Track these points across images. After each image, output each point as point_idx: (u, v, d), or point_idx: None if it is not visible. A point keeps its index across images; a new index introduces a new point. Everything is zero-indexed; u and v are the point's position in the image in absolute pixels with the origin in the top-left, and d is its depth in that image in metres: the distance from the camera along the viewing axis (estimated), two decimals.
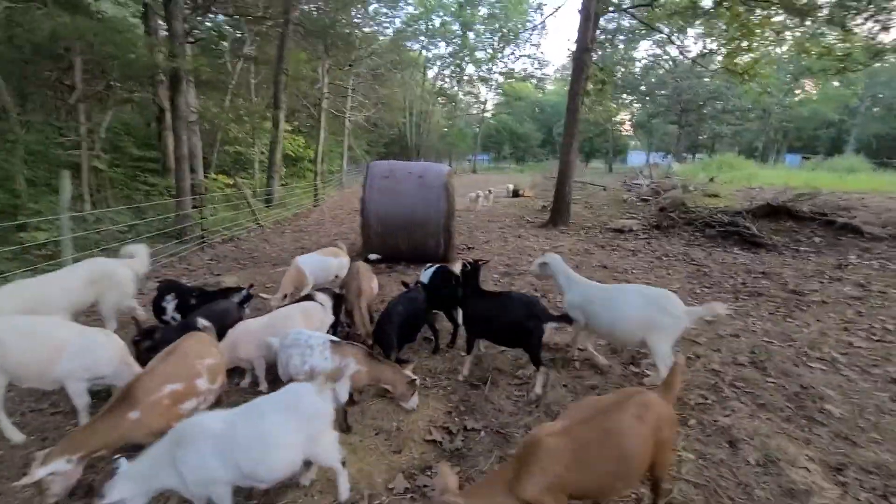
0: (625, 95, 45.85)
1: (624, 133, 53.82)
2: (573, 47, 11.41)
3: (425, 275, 5.00)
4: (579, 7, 10.66)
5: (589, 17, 10.51)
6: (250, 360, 3.62)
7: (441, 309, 4.80)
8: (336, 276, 5.73)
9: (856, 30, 9.56)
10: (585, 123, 40.64)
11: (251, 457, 2.15)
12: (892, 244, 7.91)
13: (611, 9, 12.20)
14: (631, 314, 3.58)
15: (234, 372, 3.82)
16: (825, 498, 2.58)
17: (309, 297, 4.20)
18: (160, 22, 11.76)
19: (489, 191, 17.65)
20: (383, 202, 7.93)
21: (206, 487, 2.15)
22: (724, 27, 13.43)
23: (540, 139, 55.66)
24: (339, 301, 4.51)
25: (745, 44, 11.76)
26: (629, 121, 51.17)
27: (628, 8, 12.28)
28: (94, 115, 11.33)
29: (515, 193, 20.75)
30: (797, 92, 41.33)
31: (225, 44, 18.33)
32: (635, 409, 2.10)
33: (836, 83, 39.32)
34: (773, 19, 10.87)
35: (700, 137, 46.72)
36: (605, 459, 2.03)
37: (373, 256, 5.54)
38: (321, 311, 3.98)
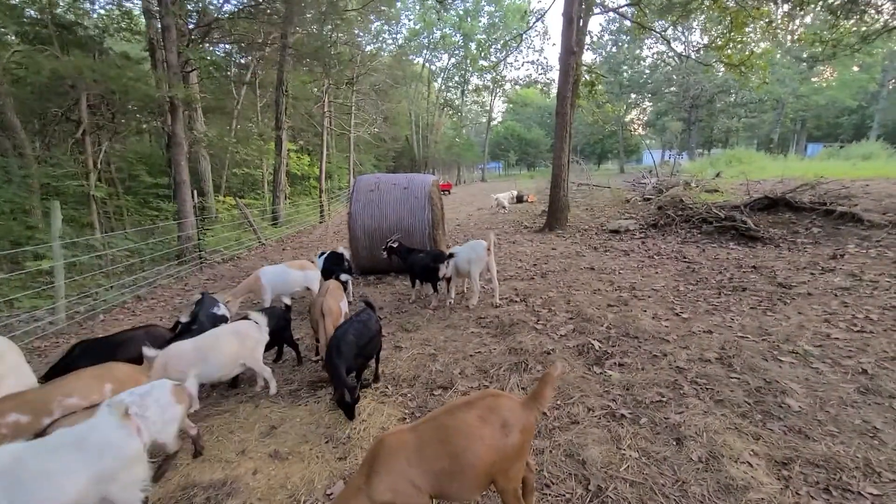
0: (633, 95, 45.55)
1: (635, 133, 53.24)
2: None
3: (319, 261, 6.61)
4: (562, 11, 10.72)
5: (572, 21, 10.55)
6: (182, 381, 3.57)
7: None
8: (308, 289, 5.91)
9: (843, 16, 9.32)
10: (593, 126, 40.46)
11: (33, 496, 2.04)
12: (892, 231, 7.59)
13: (596, 10, 12.20)
14: (461, 256, 6.17)
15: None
16: (762, 493, 2.52)
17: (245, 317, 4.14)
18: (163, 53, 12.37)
19: (495, 198, 18.31)
20: (369, 215, 8.09)
21: None
22: (717, 22, 13.34)
23: (549, 144, 55.51)
24: (286, 318, 4.59)
25: (737, 37, 11.62)
26: (639, 120, 50.65)
27: (614, 9, 12.28)
28: (104, 147, 11.91)
29: (520, 199, 20.72)
30: (813, 80, 40.16)
31: (234, 69, 19.06)
32: (480, 411, 2.08)
33: (855, 68, 38.18)
34: (762, 9, 10.70)
35: (713, 132, 45.82)
36: (439, 456, 2.02)
37: (344, 277, 5.60)
38: (256, 331, 3.95)
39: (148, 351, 3.23)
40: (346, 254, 6.90)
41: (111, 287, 7.47)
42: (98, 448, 2.24)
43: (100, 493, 2.24)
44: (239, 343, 3.78)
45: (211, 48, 17.00)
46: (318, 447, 3.24)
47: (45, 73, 8.04)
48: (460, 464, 2.00)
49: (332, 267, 6.63)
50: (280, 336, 4.49)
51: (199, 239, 9.43)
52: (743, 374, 3.81)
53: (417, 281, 6.58)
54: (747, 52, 12.70)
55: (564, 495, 2.63)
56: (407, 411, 3.68)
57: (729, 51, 12.62)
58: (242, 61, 19.39)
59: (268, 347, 4.21)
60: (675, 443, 3.02)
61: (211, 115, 17.84)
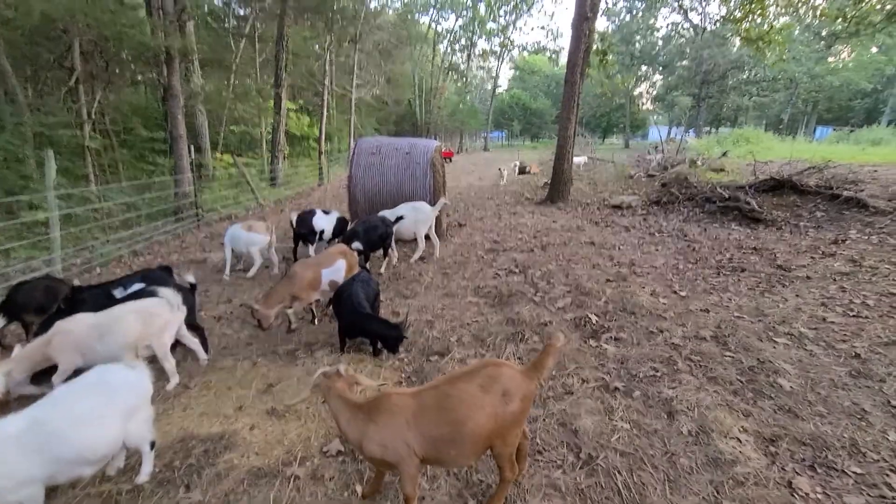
0: (643, 67, 44.31)
1: (643, 107, 52.13)
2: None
3: (327, 219, 6.99)
4: None
5: None
6: (61, 359, 3.18)
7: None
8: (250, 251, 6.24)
9: None
10: (601, 98, 39.55)
11: (73, 442, 2.15)
12: (895, 218, 7.57)
13: None
14: (409, 218, 6.71)
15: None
16: (749, 467, 2.57)
17: (151, 293, 3.67)
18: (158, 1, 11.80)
19: (500, 169, 17.83)
20: (370, 179, 7.96)
21: (18, 493, 2.05)
22: None
23: (554, 115, 54.28)
24: (188, 301, 3.93)
25: (757, 9, 11.17)
26: (648, 94, 49.53)
27: None
28: (97, 97, 11.53)
29: (522, 171, 20.47)
30: (830, 60, 39.03)
31: (226, 24, 18.28)
32: (482, 380, 2.09)
33: (873, 49, 37.06)
34: None
35: (723, 110, 44.91)
36: (440, 424, 2.05)
37: (356, 245, 5.47)
38: (166, 311, 3.45)
39: None
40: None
41: (107, 241, 7.41)
42: (118, 388, 2.41)
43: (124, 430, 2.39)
44: (143, 324, 3.33)
45: None
46: (314, 406, 3.27)
47: (36, 16, 7.67)
48: (461, 432, 2.03)
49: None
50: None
51: (196, 196, 9.28)
52: (737, 353, 3.85)
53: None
54: (766, 27, 12.27)
55: (556, 462, 2.69)
56: (403, 375, 3.72)
57: (747, 24, 12.17)
58: (241, 13, 18.58)
59: None
60: (666, 416, 3.07)
61: (208, 69, 17.20)
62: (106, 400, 2.35)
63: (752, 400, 3.22)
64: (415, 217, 6.77)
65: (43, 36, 9.95)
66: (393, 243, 6.71)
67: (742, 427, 2.91)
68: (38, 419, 2.17)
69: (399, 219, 6.70)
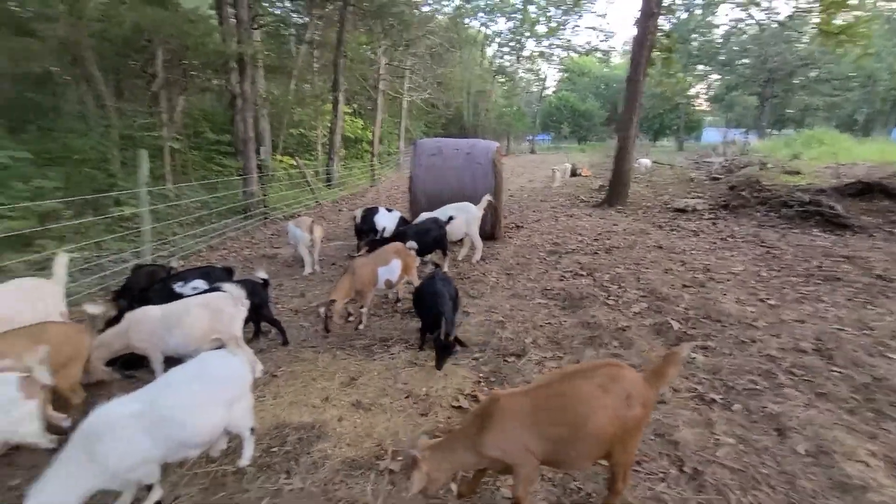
0: (700, 66, 42.25)
1: (698, 108, 49.66)
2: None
3: (389, 216, 7.29)
4: None
5: None
6: (143, 349, 3.34)
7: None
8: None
9: None
10: (655, 98, 38.03)
11: (182, 425, 2.22)
12: None
13: None
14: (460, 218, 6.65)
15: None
16: (884, 496, 2.33)
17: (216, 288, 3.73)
18: (230, 10, 12.48)
19: (553, 170, 17.39)
20: (431, 179, 8.00)
21: (139, 470, 2.17)
22: None
23: (604, 117, 52.75)
24: (260, 294, 4.11)
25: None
26: (705, 94, 47.22)
27: None
28: (175, 102, 12.36)
29: (574, 173, 20.00)
30: None
31: (291, 30, 19.07)
32: (601, 380, 1.99)
33: None
34: None
35: (788, 111, 42.10)
36: (559, 424, 1.97)
37: (410, 244, 5.44)
38: (230, 304, 3.48)
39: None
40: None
41: (185, 236, 7.86)
42: (220, 376, 2.47)
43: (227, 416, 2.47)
44: (210, 317, 3.40)
45: (271, 8, 17.00)
46: (398, 401, 3.29)
47: (127, 26, 8.31)
48: (582, 432, 1.95)
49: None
50: (256, 313, 4.05)
51: (264, 195, 9.69)
52: (846, 368, 3.53)
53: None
54: (851, 18, 11.33)
55: (657, 474, 2.55)
56: (481, 375, 3.68)
57: (825, 15, 11.26)
58: (300, 21, 19.33)
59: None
60: (776, 433, 2.84)
61: (269, 75, 18.03)
62: (212, 387, 2.43)
63: (873, 421, 2.93)
64: (465, 217, 6.79)
65: (130, 47, 10.76)
66: None
67: (868, 450, 2.65)
68: (154, 401, 2.26)
69: (451, 219, 6.61)
